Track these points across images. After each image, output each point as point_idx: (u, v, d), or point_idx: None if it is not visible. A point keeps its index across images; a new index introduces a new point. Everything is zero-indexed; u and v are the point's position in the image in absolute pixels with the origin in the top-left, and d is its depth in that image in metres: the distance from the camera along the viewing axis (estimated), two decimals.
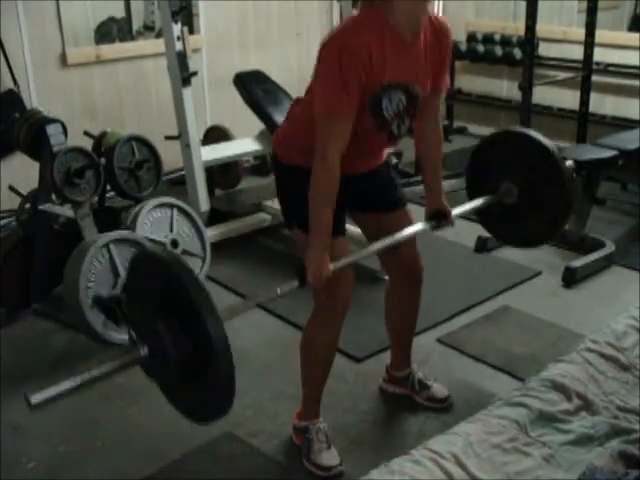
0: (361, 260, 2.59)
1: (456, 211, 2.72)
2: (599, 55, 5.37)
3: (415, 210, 2.81)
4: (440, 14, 6.77)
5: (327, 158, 2.23)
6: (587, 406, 2.31)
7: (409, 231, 2.57)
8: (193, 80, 4.14)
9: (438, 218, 2.66)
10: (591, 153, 4.24)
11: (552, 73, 5.88)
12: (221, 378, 1.86)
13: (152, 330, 1.91)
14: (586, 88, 5.28)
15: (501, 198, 2.85)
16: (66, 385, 1.80)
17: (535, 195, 2.81)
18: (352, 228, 2.76)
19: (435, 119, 2.60)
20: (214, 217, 4.39)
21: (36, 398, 1.77)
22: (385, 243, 2.51)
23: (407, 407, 2.90)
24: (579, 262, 3.96)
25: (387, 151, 2.62)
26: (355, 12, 2.37)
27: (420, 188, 2.89)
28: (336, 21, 5.95)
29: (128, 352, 1.98)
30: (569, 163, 2.97)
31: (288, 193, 2.52)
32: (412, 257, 2.72)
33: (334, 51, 2.18)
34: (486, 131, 4.16)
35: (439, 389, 2.92)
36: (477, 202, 2.85)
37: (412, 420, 2.84)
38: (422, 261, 2.74)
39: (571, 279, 3.89)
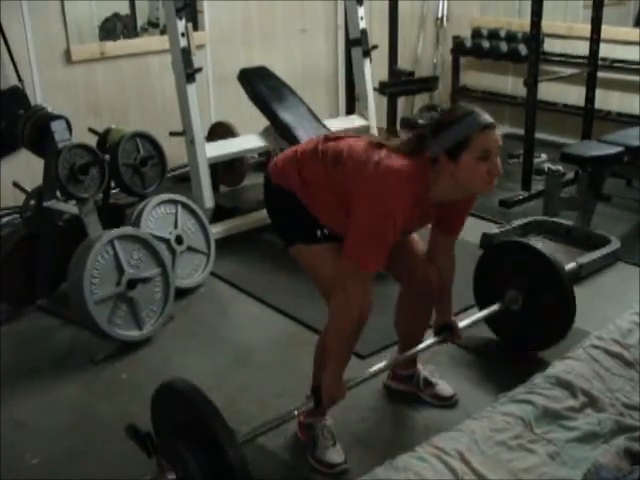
0: None
1: (464, 323, 2.86)
2: (605, 51, 5.35)
3: None
4: (445, 11, 6.79)
5: (352, 301, 2.25)
6: (592, 403, 2.31)
7: (419, 347, 2.77)
8: (197, 76, 4.13)
9: (445, 331, 2.77)
10: (596, 149, 4.23)
11: (557, 69, 5.87)
12: None
13: (178, 456, 2.05)
14: (591, 84, 5.26)
15: (507, 305, 3.05)
16: None
17: (538, 303, 3.01)
18: None
19: (449, 253, 2.65)
20: (218, 213, 4.38)
21: None
22: (404, 357, 2.80)
23: (412, 404, 2.89)
24: (584, 259, 3.95)
25: None
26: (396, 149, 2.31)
27: None
28: (340, 18, 5.94)
29: (157, 477, 2.10)
30: (571, 266, 3.22)
31: (282, 210, 2.51)
32: (425, 277, 2.67)
33: (382, 209, 2.18)
34: None
35: (444, 387, 2.91)
36: (484, 313, 3.04)
37: (417, 417, 2.83)
38: (434, 277, 2.68)
39: (576, 276, 3.88)
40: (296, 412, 2.41)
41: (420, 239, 2.69)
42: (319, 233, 2.40)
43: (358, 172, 2.26)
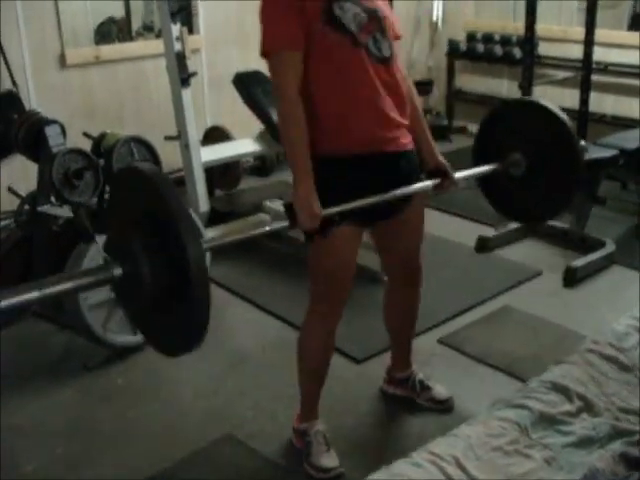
0: (361, 259, 2.56)
1: (459, 174, 2.57)
2: (599, 54, 5.35)
3: None
4: (440, 14, 6.80)
5: (285, 94, 2.22)
6: (588, 407, 2.30)
7: (413, 187, 2.43)
8: (192, 80, 4.13)
9: (439, 176, 2.52)
10: (592, 153, 4.23)
11: (552, 72, 5.88)
12: (195, 309, 1.73)
13: (128, 250, 1.77)
14: (586, 87, 5.25)
15: (508, 168, 2.74)
16: (30, 295, 1.65)
17: (544, 170, 2.70)
18: None
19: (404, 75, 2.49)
20: (214, 218, 4.38)
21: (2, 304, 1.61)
22: (384, 197, 2.34)
23: (407, 409, 2.89)
24: (580, 262, 3.96)
25: (406, 133, 2.43)
26: None
27: None
28: None
29: (101, 270, 1.80)
30: (582, 143, 2.90)
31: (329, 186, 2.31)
32: (413, 254, 2.67)
33: None
34: None
35: (440, 391, 2.91)
36: (482, 168, 2.73)
37: (412, 422, 2.83)
38: (421, 261, 2.70)
39: (572, 279, 3.88)
40: (267, 228, 2.26)
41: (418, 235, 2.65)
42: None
43: None
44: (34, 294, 1.66)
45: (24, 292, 1.66)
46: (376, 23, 2.31)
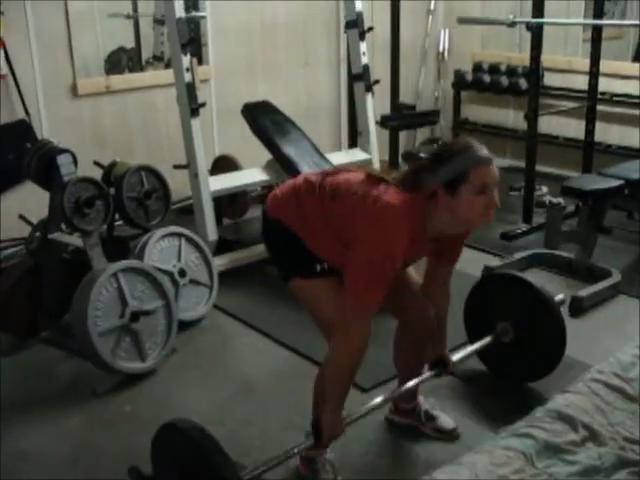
0: None
1: (457, 356, 2.90)
2: (604, 85, 5.41)
3: None
4: (447, 45, 6.87)
5: (353, 340, 2.28)
6: (593, 437, 2.31)
7: (413, 383, 2.77)
8: (202, 110, 4.18)
9: (439, 366, 2.79)
10: (597, 183, 4.26)
11: (557, 103, 5.91)
12: None
13: None
14: (591, 118, 5.31)
15: (498, 337, 3.09)
16: None
17: (530, 334, 3.06)
18: None
19: (446, 283, 2.67)
20: (222, 246, 4.41)
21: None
22: (401, 391, 2.79)
23: (413, 437, 2.89)
24: (585, 291, 3.96)
25: None
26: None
27: None
28: (343, 51, 6.00)
29: None
30: (559, 297, 3.20)
31: (280, 244, 2.52)
32: (423, 316, 2.68)
33: (382, 251, 2.20)
34: None
35: (446, 420, 2.91)
36: (475, 346, 3.07)
37: (418, 450, 2.83)
38: (432, 315, 2.70)
39: (577, 309, 3.89)
40: (296, 450, 2.41)
41: (415, 272, 2.70)
42: (318, 267, 2.41)
43: (356, 207, 2.28)
44: None
45: None
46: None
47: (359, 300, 2.25)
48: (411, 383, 2.77)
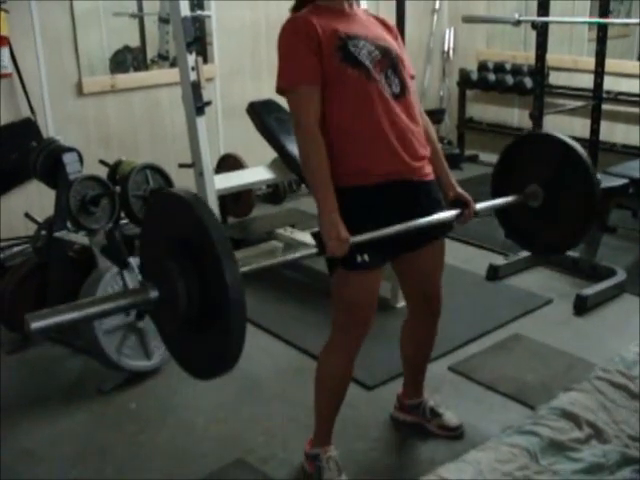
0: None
1: (479, 206, 2.59)
2: (609, 84, 5.40)
3: None
4: (452, 44, 6.87)
5: (305, 129, 2.26)
6: (598, 434, 2.31)
7: (436, 217, 2.45)
8: (207, 109, 4.18)
9: (460, 205, 2.53)
10: (602, 181, 4.25)
11: (563, 102, 5.92)
12: (231, 331, 1.75)
13: (164, 273, 1.80)
14: (596, 117, 5.29)
15: (526, 200, 2.78)
16: (68, 316, 1.70)
17: (561, 201, 2.75)
18: None
19: (421, 114, 2.53)
20: None
21: (36, 324, 1.68)
22: (409, 225, 2.35)
23: (418, 435, 2.90)
24: (590, 290, 3.97)
25: (425, 163, 2.46)
26: None
27: None
28: None
29: (138, 292, 1.86)
30: (599, 175, 2.95)
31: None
32: (434, 286, 2.68)
33: (281, 35, 2.36)
34: None
35: (451, 417, 2.92)
36: (501, 200, 2.77)
37: (423, 448, 2.84)
38: (442, 293, 2.70)
39: (582, 307, 3.89)
40: (297, 254, 2.30)
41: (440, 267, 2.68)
42: (359, 258, 2.34)
43: None
44: (74, 315, 1.72)
45: (64, 313, 1.70)
46: (388, 60, 2.37)
47: (288, 82, 2.33)
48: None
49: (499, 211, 2.89)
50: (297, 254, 2.29)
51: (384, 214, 2.34)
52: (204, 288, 1.76)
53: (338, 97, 2.29)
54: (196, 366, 1.95)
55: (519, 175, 2.82)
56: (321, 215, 2.24)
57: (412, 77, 2.50)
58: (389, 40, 2.44)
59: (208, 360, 1.88)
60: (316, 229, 2.25)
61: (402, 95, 2.38)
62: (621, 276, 4.12)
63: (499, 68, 6.48)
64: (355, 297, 2.43)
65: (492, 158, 2.98)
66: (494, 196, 2.84)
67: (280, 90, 2.35)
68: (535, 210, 2.78)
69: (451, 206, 2.54)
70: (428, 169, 2.47)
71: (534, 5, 4.87)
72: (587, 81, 5.48)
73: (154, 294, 1.82)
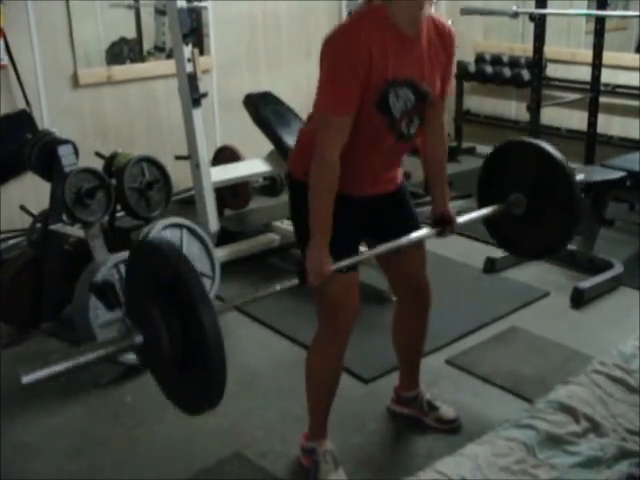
0: (367, 279, 2.60)
1: (462, 219, 2.69)
2: (607, 76, 5.39)
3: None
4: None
5: (326, 156, 2.23)
6: (595, 428, 2.31)
7: (414, 235, 2.54)
8: (203, 101, 4.17)
9: (443, 224, 2.63)
10: (599, 174, 4.26)
11: (560, 94, 5.91)
12: (212, 371, 1.88)
13: (148, 318, 1.91)
14: (594, 109, 5.29)
15: (509, 208, 2.83)
16: (59, 367, 1.78)
17: (544, 207, 2.79)
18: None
19: (439, 122, 2.57)
20: (223, 237, 4.41)
21: (27, 378, 1.77)
22: (388, 247, 2.47)
23: (415, 428, 2.90)
24: (587, 283, 3.96)
25: (399, 172, 2.59)
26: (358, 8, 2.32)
27: (429, 208, 2.87)
28: None
29: (124, 339, 1.97)
30: (579, 177, 2.95)
31: (303, 211, 2.38)
32: (420, 278, 2.72)
33: (331, 48, 2.19)
34: None
35: (447, 410, 2.91)
36: (484, 211, 2.83)
37: (420, 441, 2.84)
38: (429, 283, 2.74)
39: (579, 300, 3.89)
40: (278, 287, 2.30)
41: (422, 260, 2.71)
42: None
43: None
44: (64, 366, 1.83)
45: (54, 365, 1.81)
46: (421, 107, 2.35)
47: (324, 108, 2.24)
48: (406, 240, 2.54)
49: (487, 222, 2.95)
50: (278, 287, 2.33)
51: (357, 212, 2.46)
52: (185, 331, 1.88)
53: (357, 129, 2.26)
54: (184, 403, 2.07)
55: (502, 184, 2.88)
56: (311, 248, 2.27)
57: (443, 94, 2.49)
58: (434, 79, 2.37)
59: (193, 397, 2.00)
60: (300, 257, 2.32)
61: (410, 137, 2.40)
62: (618, 269, 4.12)
63: (497, 60, 6.46)
64: (337, 296, 2.44)
65: (489, 150, 2.97)
66: (480, 207, 2.90)
67: (319, 109, 2.28)
68: (520, 217, 2.84)
69: (435, 222, 2.64)
70: (395, 181, 2.58)
71: None
72: (585, 74, 5.48)
73: (139, 339, 1.94)
